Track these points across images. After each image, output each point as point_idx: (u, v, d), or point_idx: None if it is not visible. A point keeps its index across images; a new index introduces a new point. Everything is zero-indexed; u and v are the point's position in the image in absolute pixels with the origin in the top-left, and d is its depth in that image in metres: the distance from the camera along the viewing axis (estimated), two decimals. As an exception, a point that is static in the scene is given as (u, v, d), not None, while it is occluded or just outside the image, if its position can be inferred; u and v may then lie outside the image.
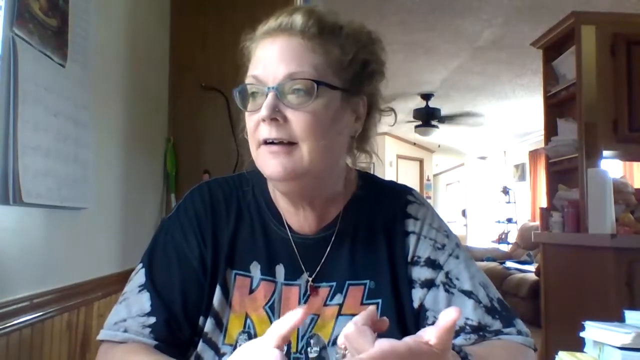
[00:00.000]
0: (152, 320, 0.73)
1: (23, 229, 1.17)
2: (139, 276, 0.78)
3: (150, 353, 0.70)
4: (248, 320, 0.76)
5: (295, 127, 0.69)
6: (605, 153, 2.88)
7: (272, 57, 0.71)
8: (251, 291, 0.77)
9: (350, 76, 0.75)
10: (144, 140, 2.02)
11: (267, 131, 0.70)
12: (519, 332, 0.76)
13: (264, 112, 0.69)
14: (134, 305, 0.75)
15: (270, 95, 0.69)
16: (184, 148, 2.27)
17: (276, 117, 0.69)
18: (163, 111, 2.28)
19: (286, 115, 0.69)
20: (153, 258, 0.79)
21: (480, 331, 0.75)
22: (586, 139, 2.84)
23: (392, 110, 0.83)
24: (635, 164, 5.38)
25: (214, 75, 2.26)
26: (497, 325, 0.75)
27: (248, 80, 0.73)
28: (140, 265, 0.79)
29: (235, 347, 0.74)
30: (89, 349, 1.45)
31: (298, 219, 0.80)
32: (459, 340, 0.75)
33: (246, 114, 0.74)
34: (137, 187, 1.94)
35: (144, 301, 0.75)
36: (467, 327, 0.75)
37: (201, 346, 0.75)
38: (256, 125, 0.72)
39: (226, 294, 0.77)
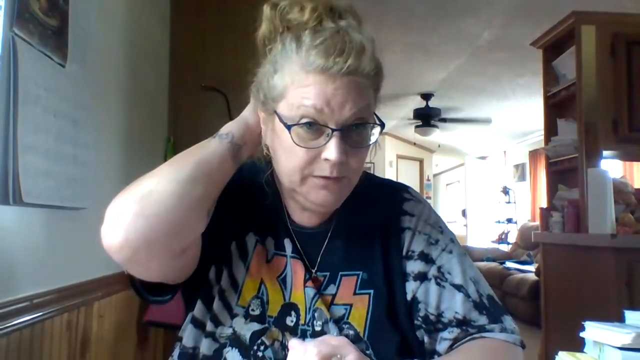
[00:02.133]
0: None
1: (23, 229, 1.18)
2: None
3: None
4: (262, 287, 0.78)
5: (352, 164, 0.72)
6: (605, 153, 2.88)
7: (337, 97, 0.68)
8: (267, 261, 0.80)
9: (378, 98, 0.77)
10: (144, 140, 2.02)
11: (327, 171, 0.70)
12: (503, 329, 0.76)
13: (334, 156, 0.68)
14: None
15: (339, 138, 0.69)
16: (184, 148, 2.26)
17: (342, 159, 0.70)
18: (163, 111, 2.28)
19: (347, 154, 0.70)
20: None
21: (463, 325, 0.76)
22: (586, 139, 2.84)
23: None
24: (635, 164, 5.38)
25: (214, 75, 2.26)
26: (482, 320, 0.76)
27: (305, 110, 0.69)
28: None
29: (247, 310, 0.77)
30: (89, 349, 1.45)
31: (302, 215, 0.82)
32: (444, 335, 0.77)
33: (294, 145, 0.70)
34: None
35: None
36: (454, 321, 0.77)
37: (217, 305, 0.77)
38: (310, 160, 0.70)
39: (244, 255, 0.80)
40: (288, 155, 0.72)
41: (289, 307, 0.77)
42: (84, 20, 1.42)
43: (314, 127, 0.69)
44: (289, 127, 0.69)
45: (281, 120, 0.71)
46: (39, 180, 1.17)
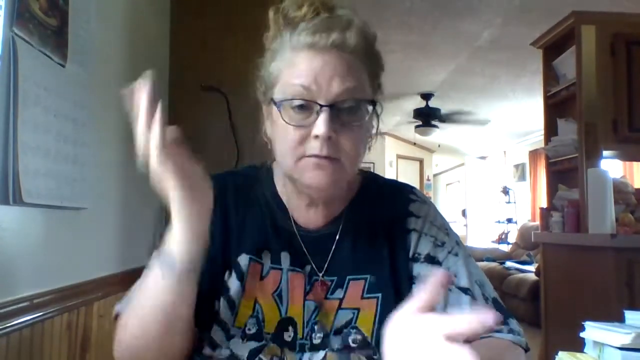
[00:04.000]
0: None
1: (23, 229, 1.17)
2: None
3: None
4: (257, 306, 0.77)
5: (344, 143, 0.71)
6: (605, 153, 2.88)
7: (324, 72, 0.69)
8: (261, 278, 0.79)
9: (377, 87, 0.77)
10: (144, 140, 2.02)
11: (317, 148, 0.70)
12: (510, 331, 0.76)
13: (322, 130, 0.68)
14: (145, 278, 0.74)
15: (327, 114, 0.69)
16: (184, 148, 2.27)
17: (331, 135, 0.69)
18: (163, 111, 2.28)
19: (337, 132, 0.70)
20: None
21: None
22: (586, 139, 2.84)
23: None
24: (635, 164, 5.38)
25: (214, 75, 2.26)
26: None
27: (295, 90, 0.70)
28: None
29: (244, 330, 0.76)
30: (89, 349, 1.45)
31: (307, 215, 0.81)
32: None
33: (286, 126, 0.71)
34: (137, 187, 1.94)
35: None
36: None
37: (214, 329, 0.76)
38: (301, 139, 0.71)
39: (241, 277, 0.78)
40: (282, 138, 0.73)
41: (286, 322, 0.77)
42: (84, 20, 1.42)
43: (304, 107, 0.70)
44: (279, 105, 0.71)
45: (274, 103, 0.72)
46: (39, 180, 1.17)
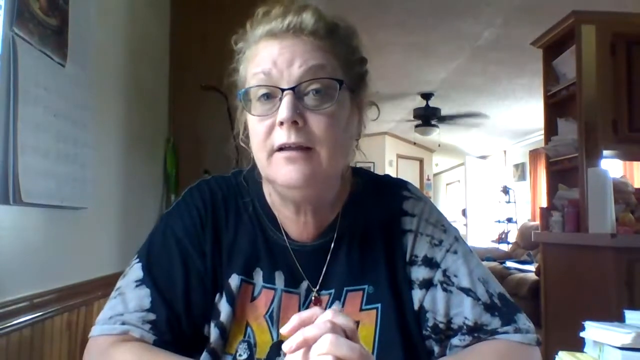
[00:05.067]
0: (152, 317, 0.70)
1: (23, 228, 1.17)
2: (135, 270, 0.73)
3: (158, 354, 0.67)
4: (248, 329, 0.73)
5: (315, 130, 0.66)
6: (605, 153, 2.88)
7: (284, 56, 0.66)
8: (252, 299, 0.74)
9: (355, 76, 0.73)
10: (144, 140, 2.02)
11: (285, 136, 0.65)
12: (517, 330, 0.73)
13: (285, 114, 0.64)
14: (131, 301, 0.71)
15: (289, 97, 0.65)
16: (184, 148, 2.27)
17: (296, 119, 0.64)
18: (163, 111, 2.28)
19: (305, 118, 0.66)
20: (152, 252, 0.75)
21: (475, 332, 0.73)
22: (586, 139, 2.84)
23: (374, 104, 0.79)
24: (635, 163, 5.38)
25: (214, 75, 2.25)
26: (495, 323, 0.73)
27: (256, 78, 0.68)
28: (137, 259, 0.75)
29: (235, 357, 0.72)
30: (89, 349, 1.45)
31: (297, 226, 0.76)
32: (454, 341, 0.73)
33: (253, 119, 0.68)
34: (137, 187, 1.94)
35: (143, 297, 0.71)
36: (464, 327, 0.73)
37: (205, 357, 0.72)
38: (269, 131, 0.67)
39: (231, 300, 0.73)
40: (253, 137, 0.70)
41: (278, 347, 0.71)
42: (84, 20, 1.42)
43: (270, 97, 0.67)
44: (245, 99, 0.69)
45: (241, 99, 0.70)
46: (39, 180, 1.17)
